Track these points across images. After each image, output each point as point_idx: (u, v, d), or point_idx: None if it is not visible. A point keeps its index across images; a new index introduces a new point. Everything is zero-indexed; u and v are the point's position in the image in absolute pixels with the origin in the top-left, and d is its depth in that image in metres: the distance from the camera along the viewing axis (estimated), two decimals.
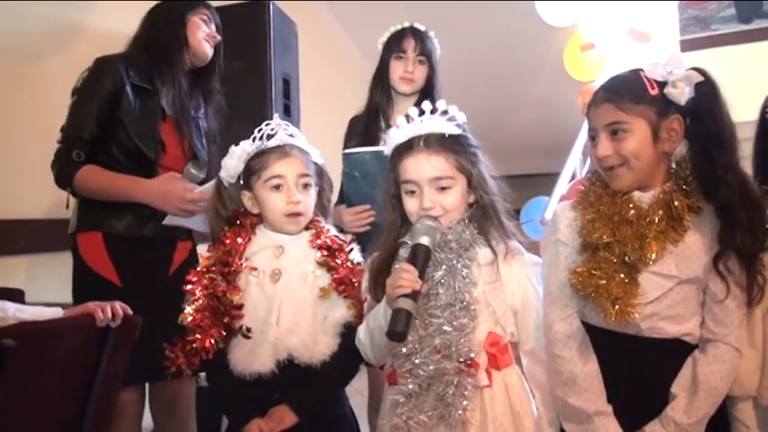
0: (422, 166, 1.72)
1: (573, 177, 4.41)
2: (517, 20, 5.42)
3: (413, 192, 1.74)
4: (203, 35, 2.56)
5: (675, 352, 1.65)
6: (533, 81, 6.16)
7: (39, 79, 3.03)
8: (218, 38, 2.61)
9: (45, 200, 2.89)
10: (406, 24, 2.72)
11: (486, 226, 1.75)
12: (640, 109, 1.59)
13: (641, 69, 1.62)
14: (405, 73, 2.65)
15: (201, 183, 2.41)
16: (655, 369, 1.64)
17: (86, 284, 2.35)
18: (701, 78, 1.60)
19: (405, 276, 1.58)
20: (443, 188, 1.73)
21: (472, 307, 1.66)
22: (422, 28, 2.72)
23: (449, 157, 1.72)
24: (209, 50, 2.57)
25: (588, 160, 4.82)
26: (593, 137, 1.67)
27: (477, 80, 6.24)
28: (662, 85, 1.60)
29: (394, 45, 2.69)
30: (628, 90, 1.61)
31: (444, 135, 1.73)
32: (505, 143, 6.37)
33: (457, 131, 1.74)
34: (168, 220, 2.37)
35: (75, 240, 2.41)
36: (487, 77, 6.39)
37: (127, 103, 2.36)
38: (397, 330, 1.53)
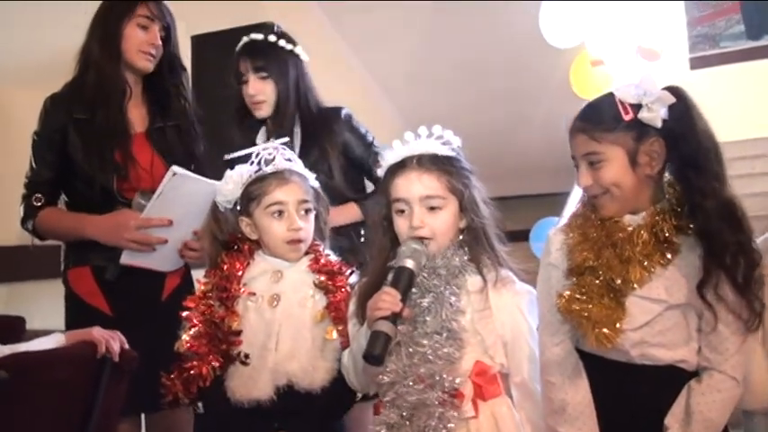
0: (413, 184, 1.71)
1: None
2: (524, 41, 5.38)
3: (403, 211, 1.72)
4: (138, 46, 2.33)
5: (671, 380, 1.59)
6: (540, 101, 6.01)
7: None
8: (159, 43, 2.36)
9: None
10: (244, 39, 2.45)
11: (477, 252, 1.72)
12: (615, 137, 1.54)
13: (614, 93, 1.57)
14: (248, 98, 2.41)
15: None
16: (649, 398, 1.58)
17: (78, 316, 2.30)
18: (673, 100, 1.54)
19: (384, 298, 1.57)
20: (434, 208, 1.70)
21: (459, 336, 1.64)
22: (258, 37, 2.43)
23: (441, 176, 1.71)
24: (145, 64, 2.36)
25: None
26: (576, 166, 1.63)
27: (484, 101, 6.21)
28: (637, 107, 1.54)
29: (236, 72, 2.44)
30: (600, 118, 1.56)
31: (437, 155, 1.71)
32: (515, 163, 6.45)
33: (450, 154, 1.73)
34: (125, 259, 2.24)
35: (66, 276, 2.38)
36: (495, 99, 6.32)
37: (73, 136, 2.29)
38: (374, 353, 1.51)
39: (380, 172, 1.80)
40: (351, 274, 1.95)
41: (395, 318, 1.55)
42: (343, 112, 2.48)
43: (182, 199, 2.13)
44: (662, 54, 4.72)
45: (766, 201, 4.64)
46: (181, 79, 2.48)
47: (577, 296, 1.55)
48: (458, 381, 1.61)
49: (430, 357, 1.61)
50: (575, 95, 5.02)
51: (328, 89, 2.55)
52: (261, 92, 2.39)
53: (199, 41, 3.93)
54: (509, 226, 1.82)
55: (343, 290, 1.90)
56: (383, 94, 6.53)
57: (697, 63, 6.07)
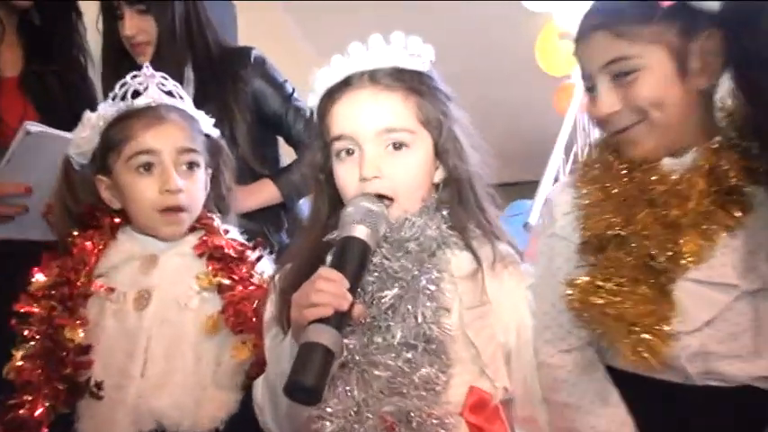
0: (363, 109, 1.29)
1: (556, 180, 4.13)
2: (486, 18, 5.24)
3: (350, 152, 1.30)
4: None
5: (748, 407, 1.26)
6: (504, 84, 6.01)
7: None
8: None
9: None
10: None
11: (461, 217, 1.33)
12: (653, 32, 1.26)
13: None
14: (126, 40, 2.05)
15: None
16: None
17: None
18: None
19: (322, 287, 1.13)
20: (397, 147, 1.29)
21: (443, 348, 1.24)
22: None
23: (408, 98, 1.29)
24: None
25: (570, 162, 4.82)
26: (589, 88, 1.34)
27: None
28: None
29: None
30: (629, 6, 1.29)
31: (401, 68, 1.31)
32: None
33: (422, 68, 1.33)
34: None
35: None
36: (455, 83, 6.30)
37: None
38: (305, 382, 1.06)
39: (311, 100, 1.38)
40: (259, 258, 1.55)
41: (340, 320, 1.13)
42: (254, 52, 2.14)
43: (41, 160, 1.82)
44: None
45: None
46: (72, 22, 2.18)
47: (599, 283, 1.25)
48: (447, 421, 1.22)
49: (398, 386, 1.20)
50: (540, 77, 5.08)
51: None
52: (141, 30, 2.03)
53: None
54: None
55: (246, 283, 1.50)
56: None
57: None
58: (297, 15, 5.40)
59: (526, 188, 4.45)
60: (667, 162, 1.29)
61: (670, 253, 1.24)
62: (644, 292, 1.24)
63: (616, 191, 1.31)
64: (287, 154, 2.21)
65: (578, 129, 4.76)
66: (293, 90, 2.14)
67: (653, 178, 1.29)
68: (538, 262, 1.41)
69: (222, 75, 2.08)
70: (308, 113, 2.02)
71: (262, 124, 2.11)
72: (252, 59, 2.11)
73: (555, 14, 4.87)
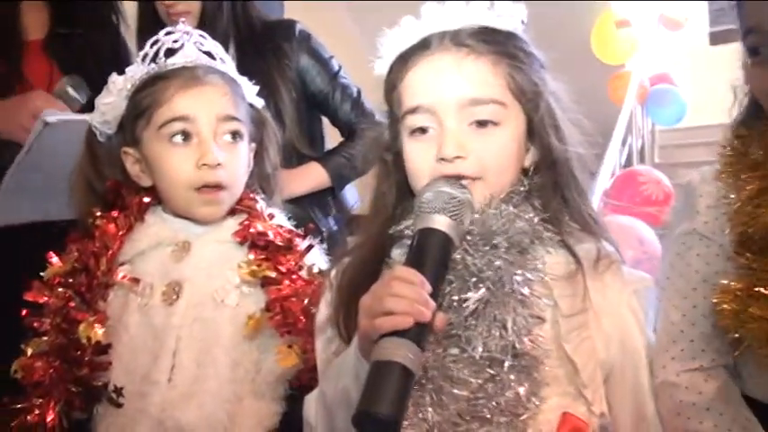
0: (444, 77, 1.09)
1: (613, 174, 4.04)
2: (542, 4, 5.15)
3: (424, 130, 1.10)
4: None
5: None
6: (556, 69, 5.92)
7: None
8: None
9: None
10: None
11: (557, 208, 1.14)
12: None
13: None
14: (165, 8, 1.94)
15: None
16: None
17: None
18: None
19: (401, 291, 0.95)
20: (483, 123, 1.08)
21: (534, 364, 1.06)
22: None
23: (499, 64, 1.10)
24: None
25: (624, 154, 4.64)
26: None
27: None
28: None
29: None
30: None
31: (491, 28, 1.12)
32: None
33: (514, 29, 1.15)
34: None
35: None
36: None
37: None
38: (379, 411, 0.89)
39: (379, 68, 1.19)
40: (309, 248, 1.38)
41: (420, 332, 0.95)
42: (298, 26, 2.01)
43: (63, 147, 1.66)
44: (685, 24, 4.91)
45: None
46: None
47: (762, 290, 1.07)
48: None
49: (480, 409, 1.03)
50: (595, 64, 4.90)
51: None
52: None
53: None
54: None
55: (294, 276, 1.32)
56: None
57: (717, 38, 5.70)
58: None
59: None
60: None
61: None
62: None
63: None
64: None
65: (634, 120, 4.65)
66: (340, 67, 2.03)
67: None
68: (665, 262, 1.26)
69: (265, 49, 1.96)
70: (355, 93, 1.91)
71: (307, 103, 2.00)
72: (297, 33, 1.99)
73: (612, 2, 4.80)
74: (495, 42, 1.11)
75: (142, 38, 1.95)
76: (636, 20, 4.76)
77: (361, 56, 1.21)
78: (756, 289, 1.09)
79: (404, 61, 1.13)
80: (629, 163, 4.46)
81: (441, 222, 1.02)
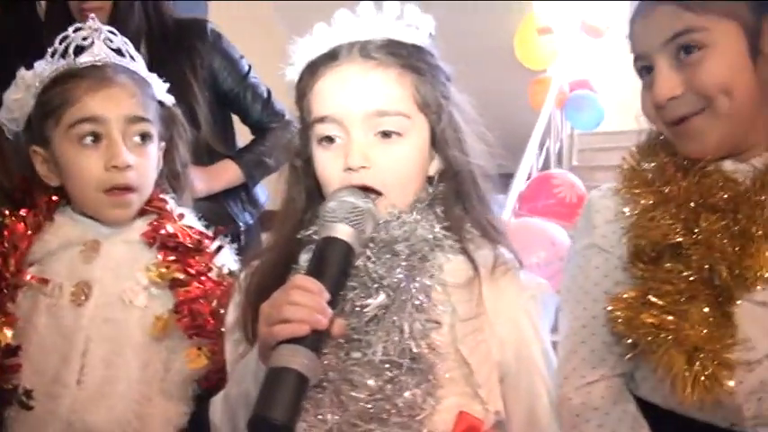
0: (351, 88, 1.12)
1: (529, 177, 4.09)
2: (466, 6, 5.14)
3: (331, 140, 1.13)
4: None
5: None
6: (478, 72, 5.92)
7: None
8: None
9: None
10: None
11: (458, 217, 1.17)
12: (723, 4, 1.13)
13: None
14: (76, 5, 1.89)
15: None
16: None
17: None
18: None
19: (299, 300, 0.98)
20: (388, 134, 1.12)
21: (431, 367, 1.09)
22: None
23: (404, 76, 1.13)
24: None
25: (542, 157, 4.71)
26: (645, 68, 1.19)
27: None
28: None
29: None
30: None
31: (397, 41, 1.15)
32: None
33: (421, 42, 1.17)
34: None
35: None
36: None
37: None
38: (272, 417, 0.92)
39: (289, 78, 1.20)
40: (219, 249, 1.38)
41: (316, 340, 0.98)
42: (209, 26, 2.01)
43: None
44: (606, 32, 4.85)
45: None
46: None
47: (651, 299, 1.10)
48: None
49: (378, 410, 1.06)
50: (515, 68, 5.01)
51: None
52: None
53: None
54: None
55: (203, 278, 1.32)
56: None
57: None
58: None
59: (498, 181, 4.55)
60: (728, 165, 1.15)
61: (735, 269, 1.11)
62: (704, 313, 1.10)
63: (673, 194, 1.17)
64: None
65: (552, 124, 4.74)
66: (249, 67, 2.04)
67: (719, 183, 1.15)
68: (567, 275, 1.28)
69: (178, 48, 1.93)
70: (265, 93, 1.93)
71: (219, 102, 2.00)
72: (209, 33, 1.98)
73: (535, 7, 4.86)
74: (401, 55, 1.13)
75: (51, 33, 1.97)
76: (558, 27, 4.81)
77: (287, 54, 1.23)
78: (648, 297, 1.12)
79: (313, 70, 1.15)
80: (546, 166, 4.53)
81: (342, 231, 1.05)
